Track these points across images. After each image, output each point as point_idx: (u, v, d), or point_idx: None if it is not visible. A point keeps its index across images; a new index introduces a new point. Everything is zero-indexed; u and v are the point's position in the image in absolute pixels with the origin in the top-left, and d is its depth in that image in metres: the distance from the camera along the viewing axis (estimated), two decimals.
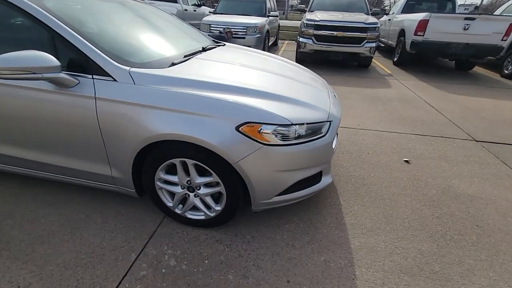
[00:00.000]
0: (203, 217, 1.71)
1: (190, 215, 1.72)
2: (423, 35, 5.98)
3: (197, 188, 1.62)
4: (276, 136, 1.45)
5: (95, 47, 1.47)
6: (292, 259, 1.57)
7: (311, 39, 6.22)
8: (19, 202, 1.89)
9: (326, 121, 1.65)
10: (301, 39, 6.42)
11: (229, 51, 2.40)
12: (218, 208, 1.65)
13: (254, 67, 2.00)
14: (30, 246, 1.58)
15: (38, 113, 1.53)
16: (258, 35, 6.92)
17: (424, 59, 7.90)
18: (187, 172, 1.59)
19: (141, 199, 1.97)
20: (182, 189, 1.64)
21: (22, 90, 1.52)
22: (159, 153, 1.52)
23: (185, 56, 1.92)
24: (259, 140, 1.42)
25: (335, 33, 5.98)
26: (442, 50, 5.96)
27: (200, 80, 1.52)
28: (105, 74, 1.46)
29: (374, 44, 6.11)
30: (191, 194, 1.66)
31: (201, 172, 1.59)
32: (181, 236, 1.70)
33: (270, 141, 1.43)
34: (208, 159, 1.48)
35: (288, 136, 1.47)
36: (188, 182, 1.61)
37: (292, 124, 1.47)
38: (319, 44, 6.18)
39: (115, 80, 1.46)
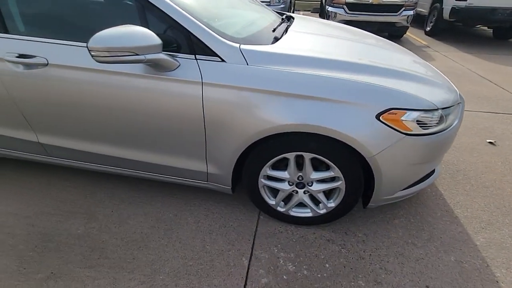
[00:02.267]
0: (309, 215, 1.53)
1: (294, 212, 1.55)
2: (467, 0, 5.50)
3: (309, 184, 1.44)
4: (418, 124, 1.23)
5: (197, 20, 1.22)
6: (419, 260, 1.42)
7: (343, 8, 5.73)
8: (96, 202, 1.72)
9: (459, 103, 1.42)
10: (330, 9, 5.91)
11: (308, 21, 2.09)
12: (331, 204, 1.47)
13: (352, 40, 1.72)
14: (129, 252, 1.43)
15: (125, 103, 1.30)
16: (282, 5, 6.42)
17: (460, 28, 7.38)
18: (298, 167, 1.40)
19: (228, 195, 1.80)
20: (290, 185, 1.46)
21: (108, 75, 1.27)
22: (270, 146, 1.31)
23: (274, 30, 1.65)
24: (400, 130, 1.20)
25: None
26: (486, 16, 5.49)
27: (323, 58, 1.27)
28: (211, 53, 1.21)
29: (411, 12, 5.62)
30: (300, 191, 1.47)
31: (315, 167, 1.40)
32: (286, 235, 1.54)
33: (412, 130, 1.22)
34: (332, 152, 1.27)
35: (428, 123, 1.25)
36: (300, 178, 1.42)
37: (438, 109, 1.25)
38: (352, 14, 5.70)
39: (223, 60, 1.21)
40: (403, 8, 5.56)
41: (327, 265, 1.39)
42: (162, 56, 1.15)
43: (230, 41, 1.23)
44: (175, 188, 1.85)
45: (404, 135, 1.20)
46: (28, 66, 1.31)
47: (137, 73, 1.25)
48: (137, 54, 1.08)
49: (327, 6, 6.14)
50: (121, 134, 1.42)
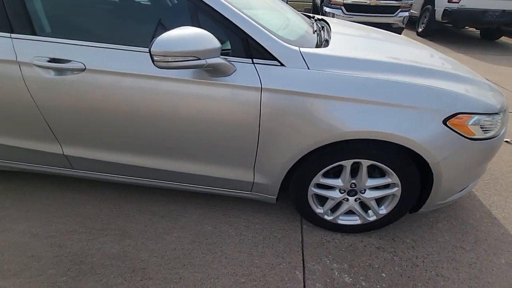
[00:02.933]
0: (358, 222, 1.49)
1: (342, 220, 1.50)
2: (459, 2, 5.68)
3: (361, 191, 1.40)
4: (481, 128, 1.21)
5: (255, 22, 1.14)
6: (472, 264, 1.41)
7: (341, 9, 5.78)
8: (126, 216, 1.59)
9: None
10: (327, 9, 5.94)
11: (337, 22, 2.04)
12: (383, 211, 1.43)
13: (390, 41, 1.68)
14: (173, 271, 1.33)
15: (172, 110, 1.20)
16: None
17: (450, 29, 7.64)
18: (352, 174, 1.34)
19: (266, 204, 1.72)
20: (341, 193, 1.41)
21: (156, 81, 1.16)
22: (327, 154, 1.25)
23: (314, 31, 1.59)
24: (464, 135, 1.18)
25: (368, 1, 5.58)
26: (477, 18, 5.71)
27: (383, 60, 1.22)
28: (270, 57, 1.13)
29: (407, 13, 5.76)
30: (351, 198, 1.43)
31: (369, 173, 1.35)
32: (335, 245, 1.49)
33: (475, 135, 1.20)
34: (392, 159, 1.23)
35: (488, 127, 1.24)
36: (352, 185, 1.38)
37: (498, 113, 1.23)
38: (349, 15, 5.76)
39: (282, 64, 1.14)
40: (399, 10, 5.68)
41: (383, 275, 1.35)
42: (221, 60, 1.06)
43: (288, 44, 1.17)
44: (211, 199, 1.75)
45: (468, 140, 1.18)
46: (60, 71, 1.18)
47: (188, 79, 1.15)
48: (199, 59, 0.99)
49: (324, 7, 6.17)
50: (162, 143, 1.31)
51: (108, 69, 1.16)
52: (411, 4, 5.73)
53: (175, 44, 0.94)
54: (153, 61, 0.96)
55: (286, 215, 1.67)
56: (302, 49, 1.16)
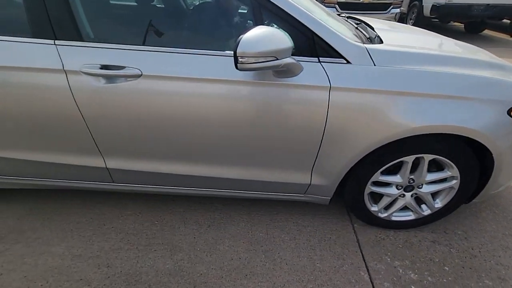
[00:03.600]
0: (411, 217, 1.48)
1: (395, 217, 1.49)
2: None
3: (419, 186, 1.39)
4: None
5: (320, 20, 1.10)
6: None
7: (335, 7, 5.85)
8: (171, 229, 1.50)
9: None
10: None
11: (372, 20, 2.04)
12: (438, 205, 1.42)
13: (426, 34, 1.70)
14: (238, 282, 1.26)
15: (230, 114, 1.14)
16: None
17: (437, 24, 7.91)
18: (411, 170, 1.32)
19: (310, 205, 1.68)
20: (398, 189, 1.40)
21: (219, 85, 1.10)
22: (389, 151, 1.24)
23: (356, 28, 1.58)
24: None
25: None
26: (464, 12, 5.94)
27: (441, 54, 1.22)
28: (336, 55, 1.10)
29: (398, 10, 5.92)
30: (407, 194, 1.42)
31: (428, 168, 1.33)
32: (390, 242, 1.47)
33: None
34: (455, 152, 1.23)
35: None
36: (411, 181, 1.37)
37: None
38: (343, 13, 5.84)
39: (348, 62, 1.11)
40: (392, 6, 5.82)
41: (446, 268, 1.35)
42: (292, 60, 1.01)
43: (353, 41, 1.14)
44: (253, 204, 1.69)
45: None
46: (111, 79, 1.10)
47: (253, 81, 1.10)
48: (277, 59, 0.94)
49: None
50: (218, 150, 1.25)
51: (168, 74, 1.09)
52: (402, 1, 5.90)
53: (260, 45, 0.89)
54: (236, 63, 0.90)
55: (333, 215, 1.64)
56: (368, 46, 1.14)
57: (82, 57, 1.08)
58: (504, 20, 7.05)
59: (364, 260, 1.38)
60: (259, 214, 1.64)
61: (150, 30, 1.08)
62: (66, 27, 1.07)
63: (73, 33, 1.08)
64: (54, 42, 1.09)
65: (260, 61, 0.91)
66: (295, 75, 1.08)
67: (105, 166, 1.34)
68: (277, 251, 1.42)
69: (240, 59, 0.90)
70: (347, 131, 1.17)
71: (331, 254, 1.41)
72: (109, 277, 1.28)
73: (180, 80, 1.09)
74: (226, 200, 1.72)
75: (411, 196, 1.42)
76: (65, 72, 1.08)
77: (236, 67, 0.93)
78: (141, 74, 1.08)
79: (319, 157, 1.26)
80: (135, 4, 1.36)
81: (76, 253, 1.39)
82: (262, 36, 0.90)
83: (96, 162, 1.33)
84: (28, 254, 1.36)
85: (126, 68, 1.08)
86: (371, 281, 1.29)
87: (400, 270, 1.34)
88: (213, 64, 1.11)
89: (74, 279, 1.27)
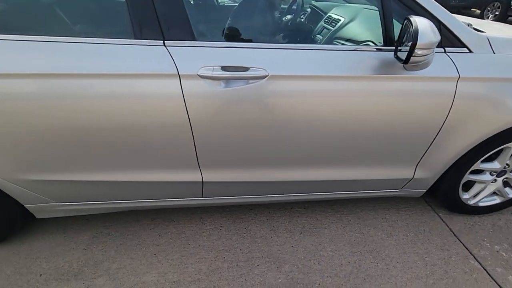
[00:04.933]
0: (496, 202, 1.51)
1: (483, 202, 1.52)
2: None
3: (511, 171, 1.42)
4: None
5: (444, 8, 1.06)
6: None
7: None
8: (263, 240, 1.39)
9: None
10: None
11: None
12: None
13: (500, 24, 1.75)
14: (360, 287, 1.21)
15: (359, 115, 1.08)
16: None
17: None
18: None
19: (391, 200, 1.66)
20: (491, 175, 1.42)
21: (337, 82, 1.03)
22: (494, 139, 1.24)
23: None
24: None
25: None
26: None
27: None
28: (459, 44, 1.08)
29: None
30: (499, 179, 1.44)
31: None
32: (480, 228, 1.49)
33: None
34: None
35: None
36: (506, 166, 1.38)
37: None
38: None
39: (470, 51, 1.09)
40: None
41: None
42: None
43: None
44: (334, 205, 1.62)
45: None
46: (231, 81, 0.97)
47: (379, 76, 1.04)
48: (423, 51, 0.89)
49: None
50: (329, 152, 1.17)
51: (297, 73, 0.99)
52: None
53: (432, 35, 0.83)
54: (410, 56, 0.83)
55: (414, 207, 1.63)
56: (489, 35, 1.12)
57: (199, 59, 0.95)
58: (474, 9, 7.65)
59: (467, 249, 1.39)
60: (344, 214, 1.59)
61: (276, 27, 0.98)
62: (179, 26, 0.93)
63: (187, 32, 0.94)
64: (164, 43, 0.94)
65: (429, 53, 0.86)
66: (426, 67, 1.04)
67: (201, 180, 1.21)
68: (381, 250, 1.38)
69: (418, 52, 0.84)
70: (464, 121, 1.16)
71: (433, 246, 1.40)
72: None
73: (309, 79, 1.00)
74: (305, 204, 1.64)
75: (502, 181, 1.47)
76: (179, 76, 0.94)
77: (406, 61, 0.87)
78: (268, 75, 0.98)
79: (429, 151, 1.24)
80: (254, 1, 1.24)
81: (173, 279, 1.24)
82: (431, 27, 0.85)
83: (192, 176, 1.19)
84: None
85: (251, 69, 0.97)
86: (484, 268, 1.30)
87: (504, 254, 1.37)
88: (339, 61, 1.04)
89: None
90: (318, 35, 1.75)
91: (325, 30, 1.72)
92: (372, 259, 1.33)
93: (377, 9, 1.09)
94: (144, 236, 1.43)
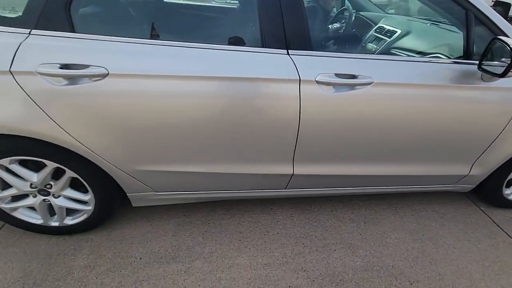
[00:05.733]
0: None
1: None
2: None
3: None
4: None
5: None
6: None
7: None
8: (332, 228, 1.55)
9: None
10: None
11: None
12: None
13: None
14: (428, 269, 1.35)
15: (434, 117, 1.24)
16: None
17: None
18: None
19: (429, 194, 1.85)
20: None
21: (425, 89, 1.19)
22: None
23: None
24: None
25: None
26: None
27: None
28: None
29: None
30: None
31: None
32: None
33: None
34: None
35: None
36: None
37: None
38: None
39: None
40: None
41: None
42: None
43: None
44: (385, 198, 1.79)
45: None
46: (341, 87, 1.11)
47: (461, 85, 1.21)
48: None
49: None
50: (400, 150, 1.34)
51: (394, 81, 1.15)
52: None
53: None
54: (506, 72, 1.00)
55: (458, 201, 1.82)
56: None
57: (317, 66, 1.09)
58: None
59: (510, 237, 1.59)
60: (399, 207, 1.76)
61: (379, 40, 1.13)
62: (302, 34, 1.07)
63: (306, 43, 1.08)
64: (288, 52, 1.08)
65: None
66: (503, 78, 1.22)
67: (291, 173, 1.35)
68: (438, 238, 1.56)
69: None
70: None
71: (482, 235, 1.59)
72: (313, 280, 1.30)
73: (405, 87, 1.16)
74: (363, 197, 1.80)
75: None
76: (299, 81, 1.08)
77: (503, 75, 1.03)
78: (372, 82, 1.13)
79: (487, 151, 1.43)
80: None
81: (264, 262, 1.37)
82: None
83: (283, 169, 1.33)
84: (216, 269, 1.31)
85: (359, 76, 1.12)
86: None
87: None
88: (427, 70, 1.21)
89: (283, 287, 1.27)
90: (370, 44, 1.93)
91: (377, 39, 1.89)
92: (432, 245, 1.51)
93: (453, 27, 1.26)
94: (225, 225, 1.56)
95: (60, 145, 1.10)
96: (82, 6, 1.03)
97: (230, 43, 1.07)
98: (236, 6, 1.17)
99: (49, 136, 1.06)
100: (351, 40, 1.20)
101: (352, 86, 1.13)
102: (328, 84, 1.11)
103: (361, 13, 2.28)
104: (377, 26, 1.97)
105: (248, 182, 1.39)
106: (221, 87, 1.05)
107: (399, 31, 1.79)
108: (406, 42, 1.66)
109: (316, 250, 1.45)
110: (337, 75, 1.11)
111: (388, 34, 1.85)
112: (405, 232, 1.58)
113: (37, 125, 1.03)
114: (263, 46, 1.07)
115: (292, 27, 1.07)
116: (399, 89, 1.17)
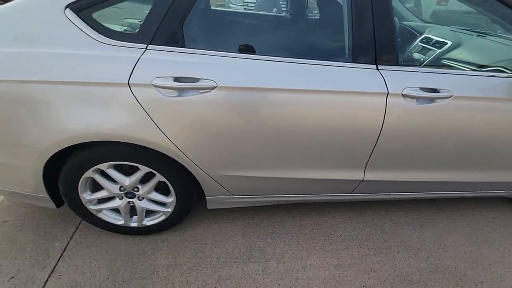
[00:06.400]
0: None
1: None
2: None
3: None
4: None
5: None
6: None
7: None
8: (391, 231, 1.63)
9: None
10: None
11: None
12: None
13: None
14: (488, 270, 1.43)
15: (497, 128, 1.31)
16: None
17: None
18: None
19: (462, 200, 1.94)
20: None
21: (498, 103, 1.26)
22: None
23: None
24: None
25: None
26: None
27: None
28: None
29: None
30: None
31: None
32: None
33: None
34: None
35: None
36: None
37: None
38: None
39: None
40: None
41: None
42: None
43: None
44: (434, 203, 1.87)
45: None
46: (423, 100, 1.19)
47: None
48: None
49: None
50: (465, 158, 1.41)
51: (472, 95, 1.23)
52: None
53: None
54: None
55: (500, 205, 1.90)
56: None
57: (404, 81, 1.17)
58: None
59: None
60: (449, 211, 1.83)
61: (460, 53, 1.20)
62: (390, 51, 1.15)
63: (394, 58, 1.15)
64: (377, 67, 1.15)
65: None
66: None
67: (361, 179, 1.42)
68: (492, 241, 1.63)
69: None
70: None
71: None
72: (384, 280, 1.37)
73: (480, 100, 1.24)
74: (414, 202, 1.88)
75: None
76: (387, 94, 1.16)
77: None
78: (452, 96, 1.21)
79: None
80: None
81: (334, 263, 1.44)
82: None
83: (354, 175, 1.40)
84: (291, 269, 1.38)
85: (441, 90, 1.19)
86: None
87: None
88: (496, 84, 1.28)
89: (356, 287, 1.34)
90: (417, 54, 2.00)
91: (424, 49, 1.96)
92: (488, 248, 1.58)
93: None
94: (289, 227, 1.63)
95: (159, 150, 1.17)
96: (193, 23, 1.10)
97: (322, 58, 1.15)
98: (323, 20, 1.25)
99: (152, 142, 1.13)
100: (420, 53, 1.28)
101: (432, 99, 1.21)
102: (412, 97, 1.18)
103: (404, 22, 2.36)
104: (423, 36, 2.04)
105: (318, 187, 1.46)
106: (315, 100, 1.13)
107: (449, 43, 1.86)
108: (459, 54, 1.73)
109: (380, 252, 1.52)
110: (421, 88, 1.19)
111: (437, 45, 1.92)
112: (460, 236, 1.65)
113: (144, 133, 1.10)
114: (353, 61, 1.15)
115: (382, 43, 1.14)
116: (475, 102, 1.24)
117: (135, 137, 1.11)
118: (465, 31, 2.10)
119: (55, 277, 1.30)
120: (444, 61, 1.51)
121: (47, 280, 1.29)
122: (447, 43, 1.88)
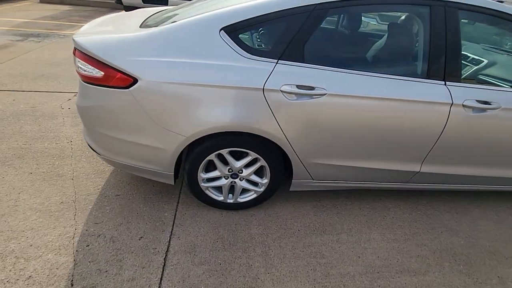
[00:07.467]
0: None
1: None
2: None
3: None
4: None
5: None
6: None
7: None
8: (435, 216, 1.96)
9: None
10: None
11: None
12: None
13: None
14: None
15: None
16: None
17: None
18: None
19: (498, 193, 2.28)
20: None
21: None
22: None
23: None
24: None
25: None
26: None
27: None
28: None
29: None
30: None
31: None
32: None
33: None
34: None
35: None
36: None
37: None
38: None
39: None
40: None
41: None
42: None
43: None
44: (468, 196, 2.21)
45: None
46: (481, 110, 1.54)
47: None
48: None
49: None
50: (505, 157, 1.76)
51: None
52: None
53: None
54: None
55: None
56: None
57: (464, 94, 1.51)
58: None
59: None
60: (480, 201, 2.17)
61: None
62: (455, 71, 1.48)
63: (458, 75, 1.48)
64: (445, 83, 1.48)
65: None
66: None
67: (417, 171, 1.75)
68: None
69: None
70: None
71: None
72: (434, 252, 1.71)
73: None
74: (448, 193, 2.22)
75: None
76: (450, 105, 1.49)
77: None
78: (500, 107, 1.55)
79: None
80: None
81: (392, 237, 1.78)
82: None
83: (412, 167, 1.74)
84: (359, 241, 1.73)
85: (492, 103, 1.53)
86: None
87: None
88: None
89: (413, 256, 1.67)
90: (467, 71, 2.31)
91: (467, 67, 2.26)
92: None
93: None
94: (350, 209, 1.97)
95: (273, 140, 1.49)
96: (311, 44, 1.42)
97: (404, 74, 1.48)
98: (404, 45, 1.60)
99: (270, 133, 1.46)
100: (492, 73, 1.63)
101: (484, 110, 1.54)
102: (470, 107, 1.52)
103: None
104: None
105: (383, 175, 1.79)
106: (396, 106, 1.46)
107: (485, 61, 2.19)
108: (495, 71, 2.06)
109: (428, 231, 1.86)
110: (478, 101, 1.52)
111: (474, 62, 2.25)
112: (490, 222, 1.99)
113: (267, 126, 1.43)
114: (428, 78, 1.48)
115: (450, 65, 1.47)
116: None
117: (259, 128, 1.44)
118: (490, 48, 2.43)
119: (176, 238, 1.64)
120: (482, 77, 1.82)
121: (169, 240, 1.62)
122: (483, 61, 2.21)
